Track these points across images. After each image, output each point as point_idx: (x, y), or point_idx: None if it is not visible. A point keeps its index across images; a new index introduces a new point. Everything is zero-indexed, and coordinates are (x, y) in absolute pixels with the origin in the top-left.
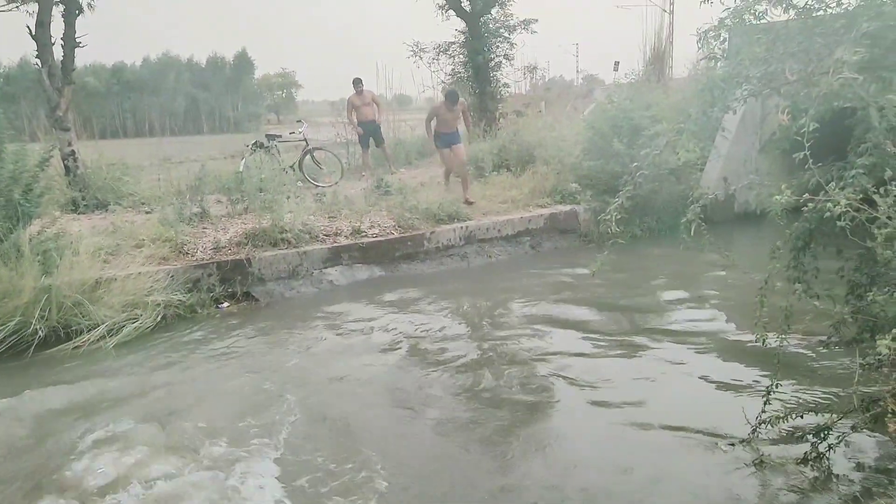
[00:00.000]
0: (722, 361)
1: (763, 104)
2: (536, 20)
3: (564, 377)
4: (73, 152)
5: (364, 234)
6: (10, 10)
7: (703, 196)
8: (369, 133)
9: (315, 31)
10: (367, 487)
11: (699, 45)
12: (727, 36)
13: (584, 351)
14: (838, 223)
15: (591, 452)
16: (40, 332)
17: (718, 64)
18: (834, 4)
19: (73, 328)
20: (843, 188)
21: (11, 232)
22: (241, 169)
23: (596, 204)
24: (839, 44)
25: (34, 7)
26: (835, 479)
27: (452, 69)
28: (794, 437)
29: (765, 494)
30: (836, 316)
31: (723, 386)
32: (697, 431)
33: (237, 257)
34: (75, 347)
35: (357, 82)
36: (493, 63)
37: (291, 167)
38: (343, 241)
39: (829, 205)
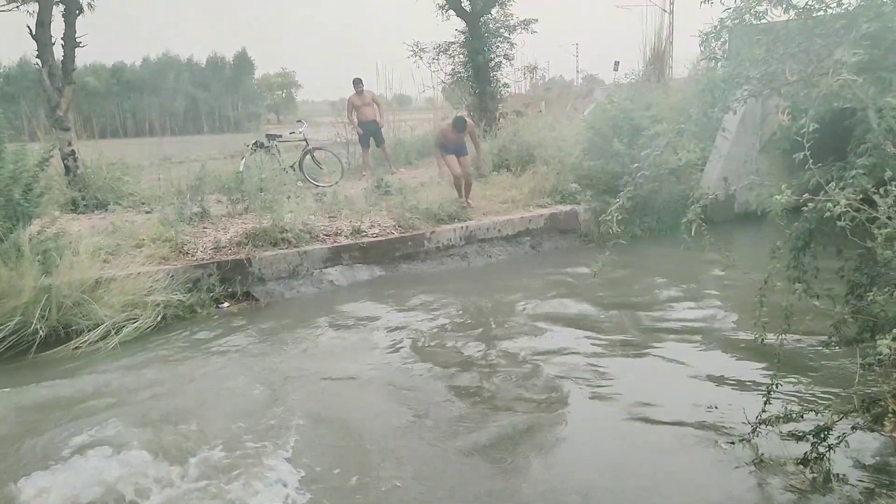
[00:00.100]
0: (722, 361)
1: (763, 104)
2: (536, 20)
3: (565, 377)
4: (73, 152)
5: (364, 233)
6: (11, 10)
7: (703, 196)
8: (369, 133)
9: (315, 31)
10: (368, 488)
11: (701, 47)
12: (727, 37)
13: (584, 350)
14: (838, 223)
15: (590, 452)
16: (40, 331)
17: (719, 64)
18: (834, 5)
19: (73, 328)
20: (843, 188)
21: (11, 232)
22: (241, 169)
23: (596, 204)
24: (839, 44)
25: (34, 7)
26: (835, 480)
27: (452, 69)
28: (794, 436)
29: (764, 494)
30: (836, 316)
31: (723, 385)
32: (697, 430)
33: (237, 257)
34: (75, 348)
35: (357, 82)
36: (493, 63)
37: (292, 167)
38: (343, 241)
39: (829, 205)
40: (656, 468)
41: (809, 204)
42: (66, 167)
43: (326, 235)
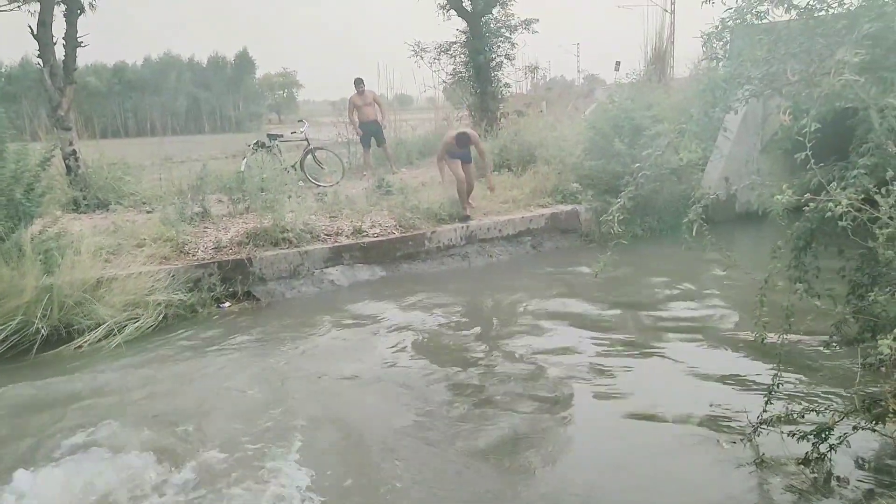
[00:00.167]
0: (723, 360)
1: (765, 104)
2: (537, 20)
3: (566, 376)
4: (74, 152)
5: (365, 233)
6: (12, 10)
7: (704, 196)
8: (371, 133)
9: (315, 31)
10: (368, 489)
11: (703, 48)
12: (729, 37)
13: (585, 350)
14: (840, 223)
15: (591, 452)
16: (42, 331)
17: (720, 64)
18: (835, 5)
19: (75, 327)
20: (844, 188)
21: (13, 231)
22: (242, 168)
23: (597, 204)
24: (841, 44)
25: (36, 7)
26: (835, 480)
27: (454, 69)
28: (795, 436)
29: (765, 494)
30: (837, 316)
31: (724, 385)
32: (698, 430)
33: (238, 257)
34: (77, 347)
35: (358, 82)
36: (494, 63)
37: (293, 167)
38: (344, 241)
39: (830, 205)
40: (657, 468)
41: (811, 204)
42: (68, 167)
43: (327, 235)
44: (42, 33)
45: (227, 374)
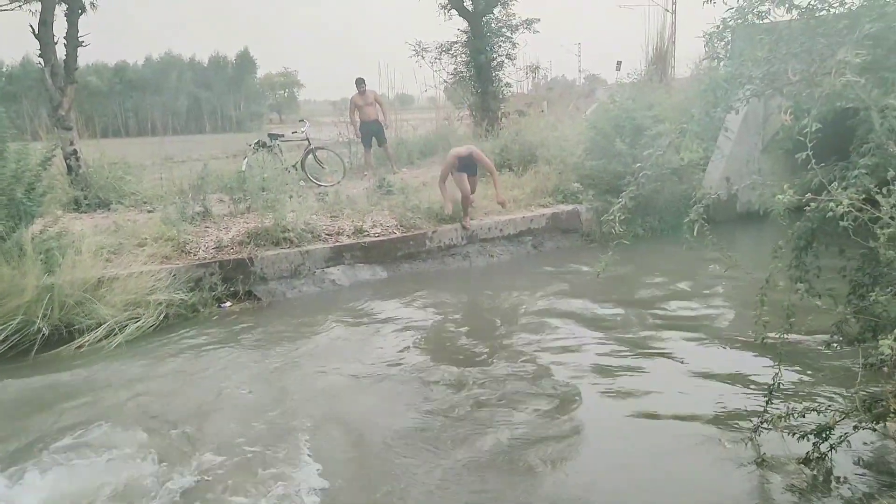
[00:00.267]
0: (724, 359)
1: (766, 104)
2: (538, 20)
3: (567, 376)
4: (75, 151)
5: (366, 233)
6: (13, 10)
7: (705, 196)
8: (372, 132)
9: (316, 31)
10: (368, 489)
11: (705, 48)
12: (730, 37)
13: (586, 349)
14: (841, 223)
15: (593, 451)
16: (43, 330)
17: (721, 64)
18: (837, 5)
19: (76, 327)
20: (845, 188)
21: (14, 231)
22: (243, 168)
23: (598, 203)
24: (842, 44)
25: (37, 6)
26: (836, 480)
27: (455, 69)
28: (795, 435)
29: (765, 494)
30: (838, 315)
31: (725, 384)
32: (699, 430)
33: (239, 256)
34: (78, 347)
35: (360, 82)
36: (495, 63)
37: (294, 166)
38: (345, 241)
39: (831, 205)
40: (658, 467)
41: (812, 204)
42: (69, 166)
43: (328, 235)
44: (43, 33)
45: (228, 374)
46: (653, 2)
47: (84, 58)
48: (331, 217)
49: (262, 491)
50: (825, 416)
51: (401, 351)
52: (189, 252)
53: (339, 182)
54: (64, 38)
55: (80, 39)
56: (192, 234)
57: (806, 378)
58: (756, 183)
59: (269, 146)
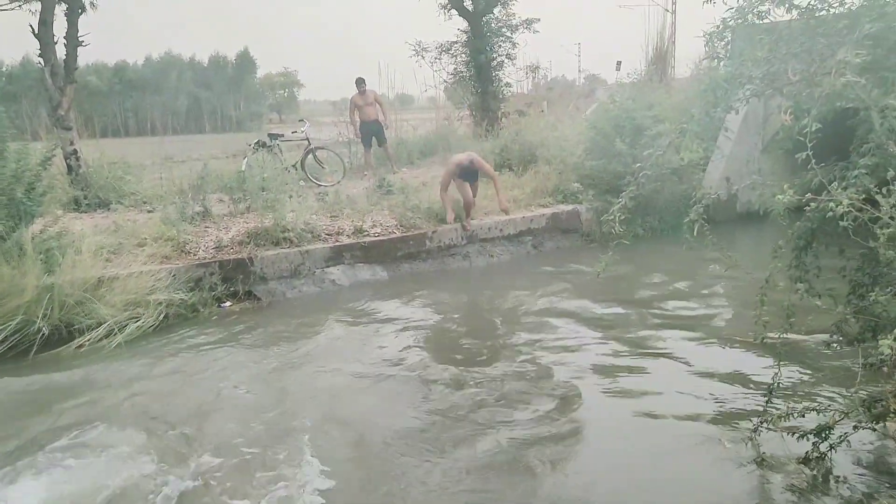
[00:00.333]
0: (724, 359)
1: (766, 104)
2: (539, 20)
3: (568, 376)
4: (75, 151)
5: (366, 233)
6: (13, 9)
7: (705, 196)
8: (372, 132)
9: (316, 31)
10: (368, 490)
11: (706, 48)
12: (730, 37)
13: (587, 349)
14: (841, 223)
15: (594, 452)
16: (43, 330)
17: (721, 64)
18: (837, 5)
19: (76, 327)
20: (845, 188)
21: (14, 230)
22: (243, 168)
23: (598, 203)
24: (842, 44)
25: (37, 6)
26: (836, 480)
27: (455, 68)
28: (795, 435)
29: (765, 494)
30: (838, 315)
31: (725, 384)
32: (699, 429)
33: (239, 256)
34: (78, 347)
35: (360, 82)
36: (495, 62)
37: (294, 166)
38: (345, 241)
39: (831, 205)
40: (658, 467)
41: (812, 204)
42: (69, 166)
43: (328, 235)
44: (43, 32)
45: (228, 374)
46: (653, 2)
47: (84, 58)
48: (331, 217)
49: (262, 492)
50: (825, 415)
51: (401, 351)
52: (189, 252)
53: (338, 182)
54: (64, 37)
55: (80, 39)
56: (192, 234)
57: (806, 378)
58: (756, 183)
59: (269, 146)
